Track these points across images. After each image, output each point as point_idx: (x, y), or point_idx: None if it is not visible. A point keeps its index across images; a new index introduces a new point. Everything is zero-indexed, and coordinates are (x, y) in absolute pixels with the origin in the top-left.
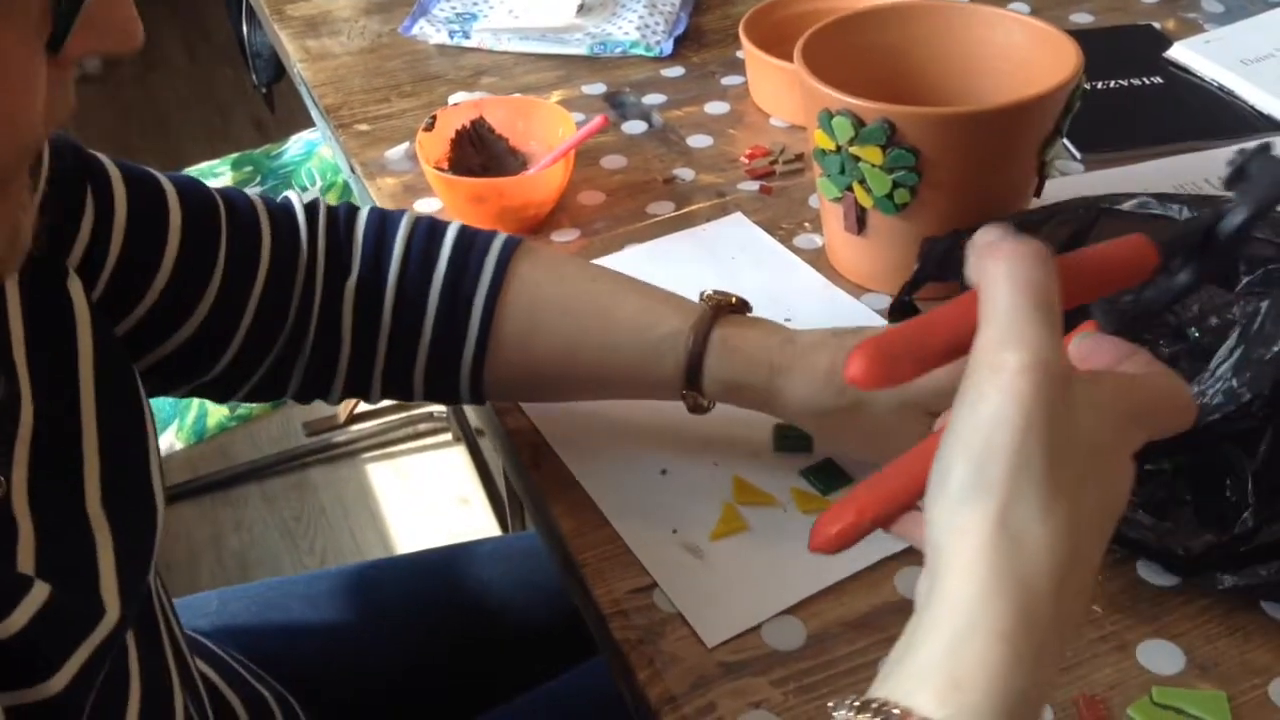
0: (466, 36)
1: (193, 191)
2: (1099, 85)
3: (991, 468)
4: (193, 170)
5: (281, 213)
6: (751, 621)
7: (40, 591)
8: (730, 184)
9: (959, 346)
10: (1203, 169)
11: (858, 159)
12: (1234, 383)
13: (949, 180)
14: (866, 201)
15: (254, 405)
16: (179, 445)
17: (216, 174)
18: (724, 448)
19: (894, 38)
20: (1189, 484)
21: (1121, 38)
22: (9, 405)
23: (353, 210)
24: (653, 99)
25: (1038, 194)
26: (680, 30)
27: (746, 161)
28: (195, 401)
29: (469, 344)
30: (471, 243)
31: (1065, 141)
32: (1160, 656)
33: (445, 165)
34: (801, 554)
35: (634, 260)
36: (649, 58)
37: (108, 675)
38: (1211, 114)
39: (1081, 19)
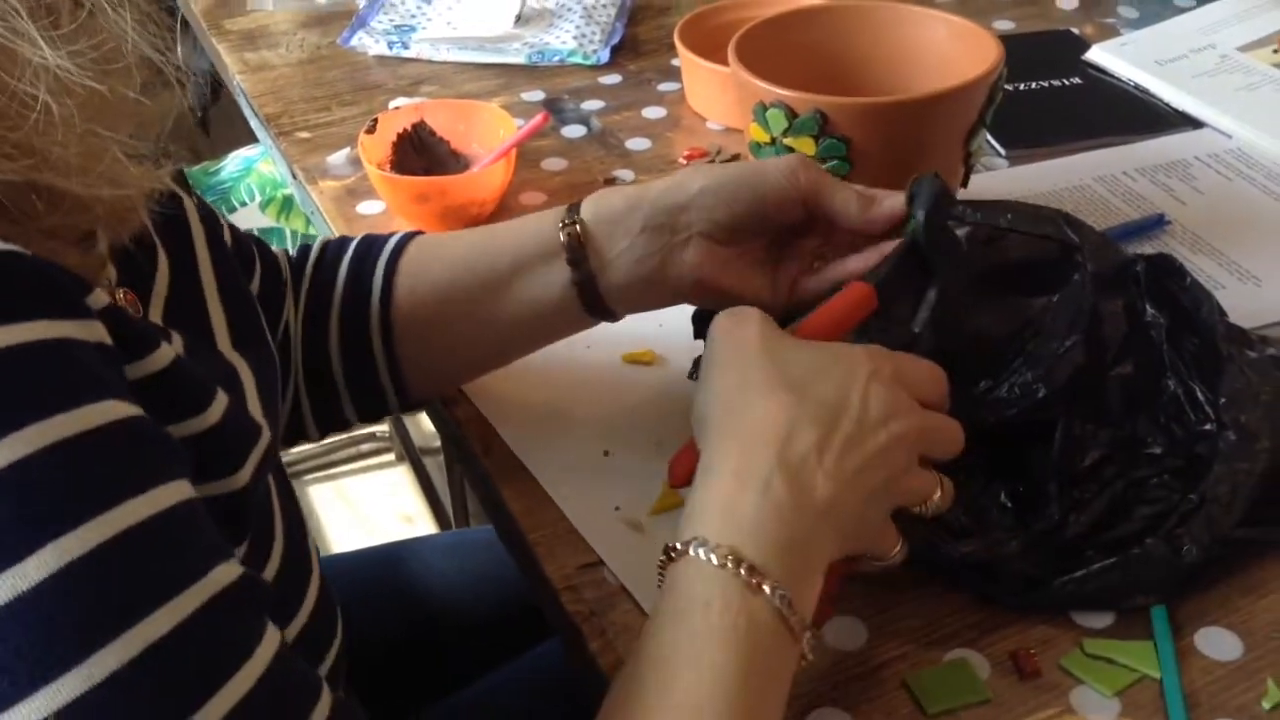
0: (405, 47)
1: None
2: (1021, 86)
3: (717, 380)
4: None
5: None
6: None
7: (223, 397)
8: None
9: None
10: (1121, 162)
11: (792, 150)
12: (1028, 376)
13: (879, 170)
14: None
15: None
16: None
17: None
18: (665, 430)
19: (823, 37)
20: (1005, 489)
21: (1042, 42)
22: (148, 258)
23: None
24: (591, 105)
25: (964, 185)
26: (617, 40)
27: (684, 162)
28: None
29: (375, 290)
30: (375, 236)
31: (990, 139)
32: (1090, 613)
33: (387, 168)
34: None
35: None
36: (586, 66)
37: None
38: (1129, 111)
39: (1003, 25)
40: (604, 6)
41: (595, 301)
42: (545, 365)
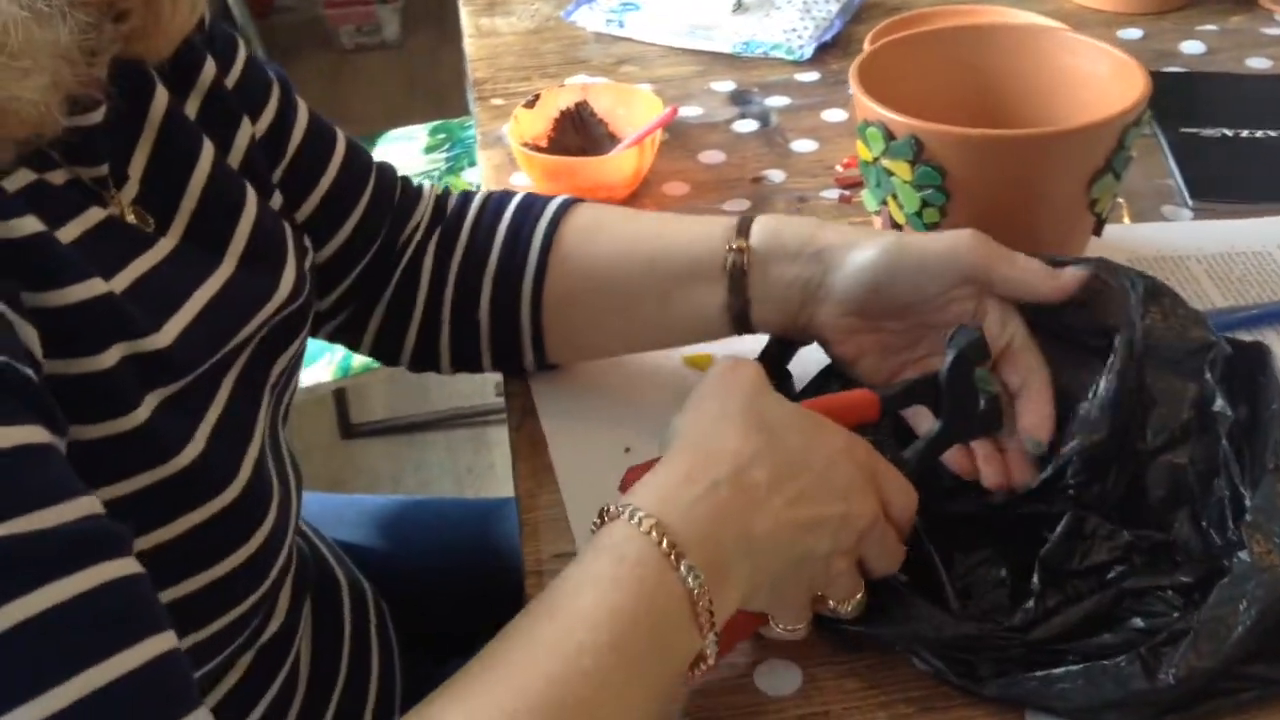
0: (621, 26)
1: (355, 146)
2: (1244, 133)
3: (698, 407)
4: (396, 132)
5: (414, 190)
6: None
7: (98, 285)
8: (815, 190)
9: None
10: None
11: (890, 173)
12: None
13: (978, 204)
14: (899, 217)
15: None
16: (326, 379)
17: (413, 137)
18: None
19: (976, 56)
20: (1008, 566)
21: None
22: (183, 170)
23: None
24: (776, 101)
25: (1097, 233)
26: (829, 36)
27: (841, 170)
28: None
29: (530, 264)
30: (535, 198)
31: (1181, 185)
32: (1046, 718)
33: (545, 144)
34: None
35: None
36: (788, 61)
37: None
38: None
39: (1259, 63)
40: (824, 2)
41: (744, 324)
42: None
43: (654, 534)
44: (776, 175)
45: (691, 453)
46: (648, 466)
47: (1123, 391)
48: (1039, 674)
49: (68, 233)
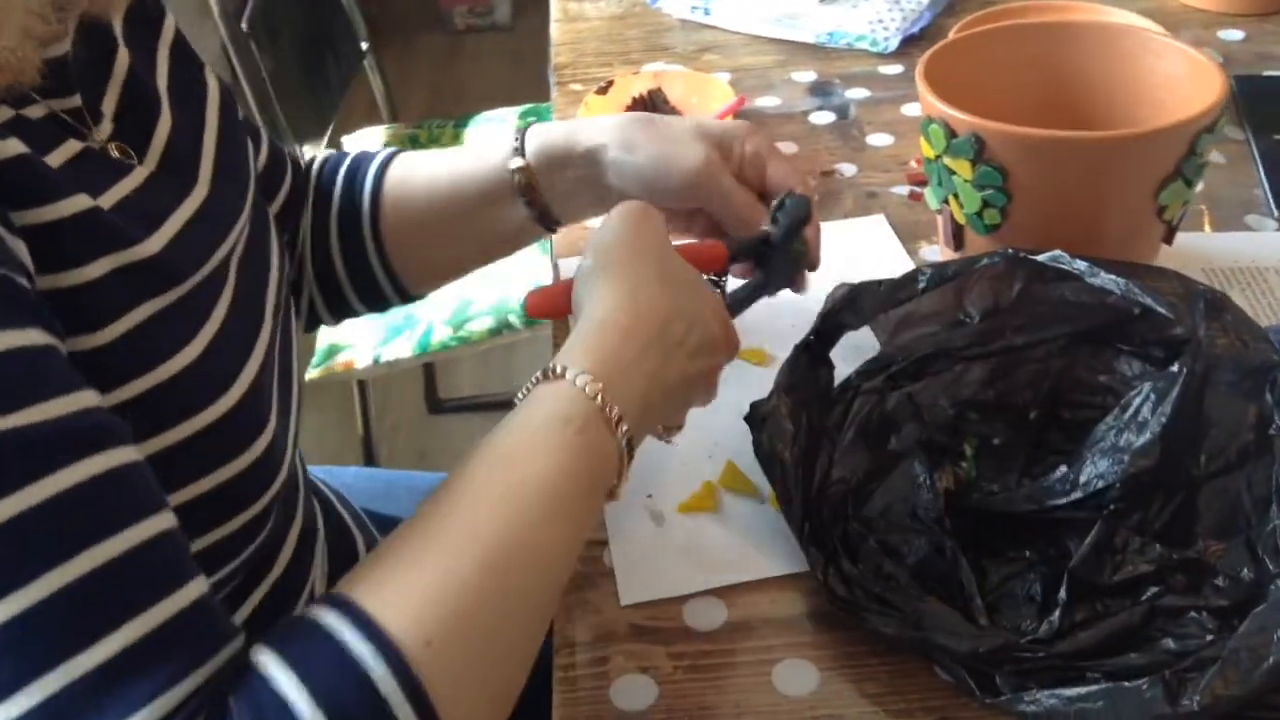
0: (707, 14)
1: (272, 138)
2: None
3: (623, 250)
4: (487, 114)
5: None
6: (670, 593)
7: (83, 200)
8: (885, 186)
9: None
10: None
11: (952, 172)
12: (1098, 466)
13: (1041, 206)
14: (960, 217)
15: (474, 329)
16: (406, 355)
17: (503, 120)
18: (729, 434)
19: (1051, 53)
20: (1042, 579)
21: None
22: (150, 116)
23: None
24: (856, 93)
25: (1168, 241)
26: (917, 28)
27: (915, 166)
28: (423, 318)
29: (364, 208)
30: (365, 154)
31: (1268, 194)
32: None
33: None
34: (751, 545)
35: None
36: (873, 53)
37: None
38: None
39: None
40: None
41: (551, 223)
42: None
43: (600, 399)
44: (848, 169)
45: (627, 306)
46: (562, 290)
47: (1180, 420)
48: (1059, 691)
49: (51, 159)
